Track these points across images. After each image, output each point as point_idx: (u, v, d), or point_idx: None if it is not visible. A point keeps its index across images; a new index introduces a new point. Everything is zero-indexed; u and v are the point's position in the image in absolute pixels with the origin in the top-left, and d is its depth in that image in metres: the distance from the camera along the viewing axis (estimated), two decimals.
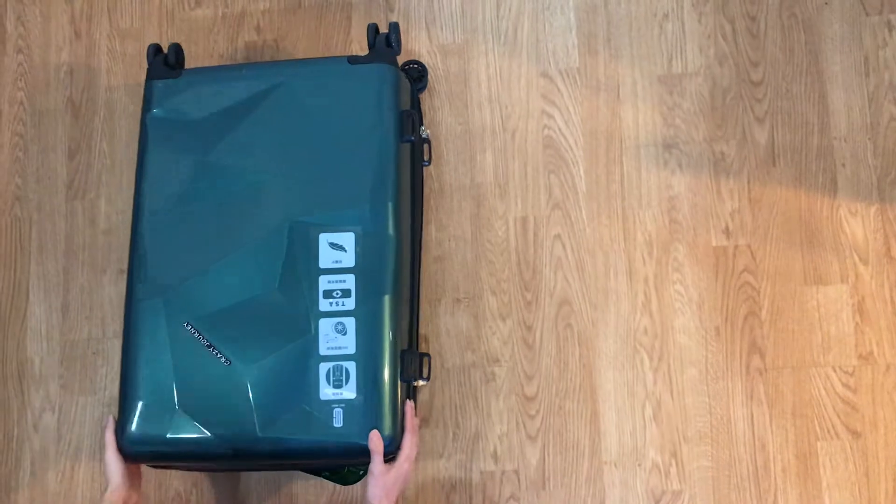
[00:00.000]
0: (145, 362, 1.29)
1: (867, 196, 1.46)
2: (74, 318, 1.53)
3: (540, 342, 1.46)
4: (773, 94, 1.50)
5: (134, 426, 1.27)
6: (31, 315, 1.54)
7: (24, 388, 1.52)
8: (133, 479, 1.27)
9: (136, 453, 1.27)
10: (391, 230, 1.30)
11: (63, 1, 1.64)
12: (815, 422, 1.40)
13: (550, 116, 1.53)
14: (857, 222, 1.45)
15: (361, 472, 1.41)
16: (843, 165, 1.47)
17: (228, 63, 1.60)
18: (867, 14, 1.51)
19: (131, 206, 1.51)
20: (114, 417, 1.29)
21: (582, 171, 1.51)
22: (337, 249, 1.29)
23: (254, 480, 1.46)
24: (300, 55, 1.59)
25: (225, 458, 1.26)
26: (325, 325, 1.27)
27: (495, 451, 1.44)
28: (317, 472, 1.41)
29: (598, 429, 1.43)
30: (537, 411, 1.44)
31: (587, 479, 1.42)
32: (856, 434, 1.39)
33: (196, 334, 1.28)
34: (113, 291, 1.53)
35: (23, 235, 1.57)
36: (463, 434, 1.45)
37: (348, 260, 1.29)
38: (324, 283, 1.28)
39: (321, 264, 1.29)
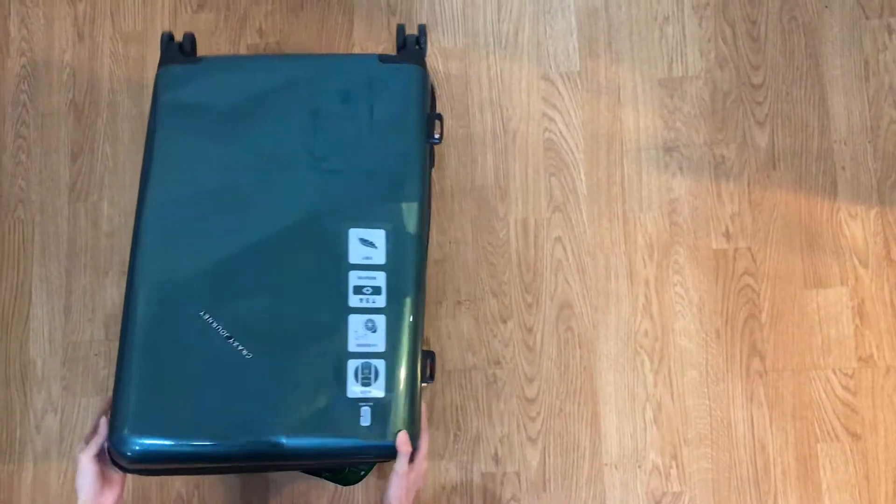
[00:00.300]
0: (153, 355, 1.20)
1: (867, 199, 1.46)
2: (77, 320, 1.54)
3: (541, 344, 1.46)
4: (774, 98, 1.50)
5: (141, 426, 1.17)
6: (33, 317, 1.55)
7: (26, 390, 1.52)
8: (107, 492, 1.17)
9: (142, 457, 1.17)
10: (418, 230, 1.29)
11: (66, 4, 1.64)
12: (815, 424, 1.41)
13: (551, 119, 1.53)
14: (856, 225, 1.45)
15: (363, 473, 1.41)
16: (843, 168, 1.47)
17: None
18: (867, 17, 1.51)
19: (134, 209, 1.51)
20: (107, 418, 1.18)
21: (583, 174, 1.51)
22: (367, 246, 1.26)
23: (255, 482, 1.47)
24: None
25: (245, 459, 1.21)
26: (354, 322, 1.23)
27: (496, 453, 1.44)
28: (317, 472, 1.42)
29: (598, 431, 1.43)
30: (538, 413, 1.45)
31: (588, 481, 1.42)
32: (856, 436, 1.40)
33: (214, 324, 1.22)
34: (115, 293, 1.53)
35: (25, 237, 1.57)
36: (464, 436, 1.45)
37: (379, 257, 1.26)
38: (354, 278, 1.25)
39: (351, 259, 1.26)
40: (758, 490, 1.40)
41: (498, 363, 1.46)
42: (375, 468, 1.42)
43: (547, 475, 1.43)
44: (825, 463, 1.40)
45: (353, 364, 1.22)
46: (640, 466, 1.42)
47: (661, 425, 1.42)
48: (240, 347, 1.21)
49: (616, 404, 1.44)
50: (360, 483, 1.42)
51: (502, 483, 1.43)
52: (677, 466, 1.41)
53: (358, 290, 1.25)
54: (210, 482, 1.47)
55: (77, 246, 1.56)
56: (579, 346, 1.46)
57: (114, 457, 1.18)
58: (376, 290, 1.25)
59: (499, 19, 1.58)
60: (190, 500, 1.47)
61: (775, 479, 1.40)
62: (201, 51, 1.60)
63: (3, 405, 1.52)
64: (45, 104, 1.61)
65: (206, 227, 1.27)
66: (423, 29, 1.40)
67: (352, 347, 1.23)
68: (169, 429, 1.18)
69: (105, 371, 1.51)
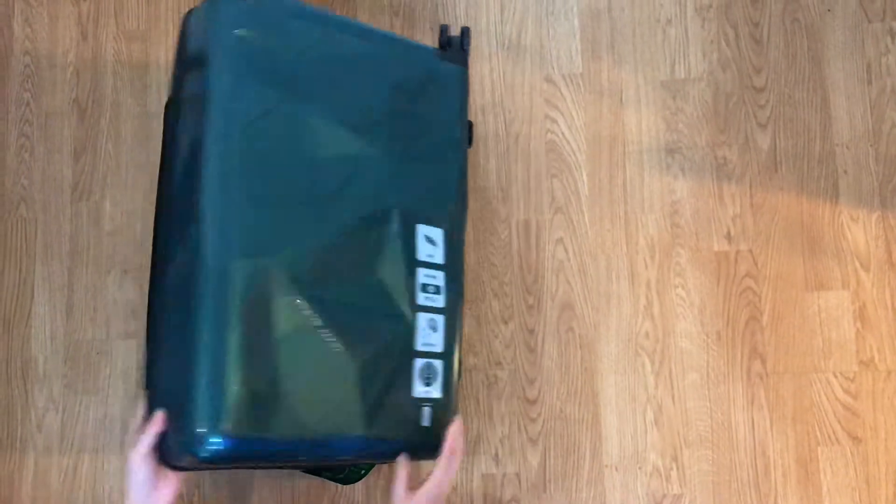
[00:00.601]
0: (234, 342, 1.03)
1: (869, 202, 1.46)
2: (79, 319, 1.54)
3: (542, 345, 1.47)
4: (776, 100, 1.50)
5: (222, 423, 1.01)
6: (35, 315, 1.55)
7: (27, 388, 1.53)
8: (163, 491, 1.05)
9: (221, 457, 1.02)
10: (463, 232, 1.27)
11: (70, 3, 1.65)
12: (816, 427, 1.41)
13: (553, 121, 1.53)
14: (858, 228, 1.45)
15: (363, 472, 1.41)
16: (845, 172, 1.47)
17: None
18: (869, 21, 1.51)
19: (137, 207, 1.52)
20: (165, 414, 1.05)
21: (585, 176, 1.51)
22: (430, 244, 1.21)
23: (255, 480, 1.47)
24: None
25: (323, 459, 1.12)
26: (421, 320, 1.19)
27: (496, 454, 1.44)
28: (318, 471, 1.42)
29: (599, 432, 1.43)
30: (538, 414, 1.45)
31: (588, 483, 1.42)
32: (856, 439, 1.40)
33: (308, 312, 1.08)
34: (117, 292, 1.54)
35: (28, 236, 1.58)
36: (464, 436, 1.45)
37: (439, 256, 1.22)
38: (421, 275, 1.20)
39: (418, 256, 1.20)
40: (758, 492, 1.40)
41: (499, 364, 1.46)
42: (375, 467, 1.42)
43: (547, 476, 1.43)
44: (826, 466, 1.40)
45: (418, 363, 1.18)
46: (640, 468, 1.42)
47: (661, 427, 1.42)
48: (330, 339, 1.11)
49: (617, 406, 1.44)
50: (360, 482, 1.42)
51: (502, 484, 1.43)
52: (678, 468, 1.41)
53: (424, 287, 1.20)
54: (211, 480, 1.47)
55: (79, 245, 1.56)
56: (580, 348, 1.46)
57: (171, 456, 1.05)
58: (437, 290, 1.21)
59: (502, 21, 1.58)
60: (191, 499, 1.47)
61: (776, 482, 1.40)
62: None
63: (5, 403, 1.52)
64: (49, 103, 1.62)
65: (284, 203, 1.12)
66: (466, 31, 1.34)
67: (418, 346, 1.18)
68: (254, 426, 1.03)
69: (107, 369, 1.51)
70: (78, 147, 1.60)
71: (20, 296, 1.56)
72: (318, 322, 1.09)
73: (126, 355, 1.51)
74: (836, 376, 1.42)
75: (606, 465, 1.42)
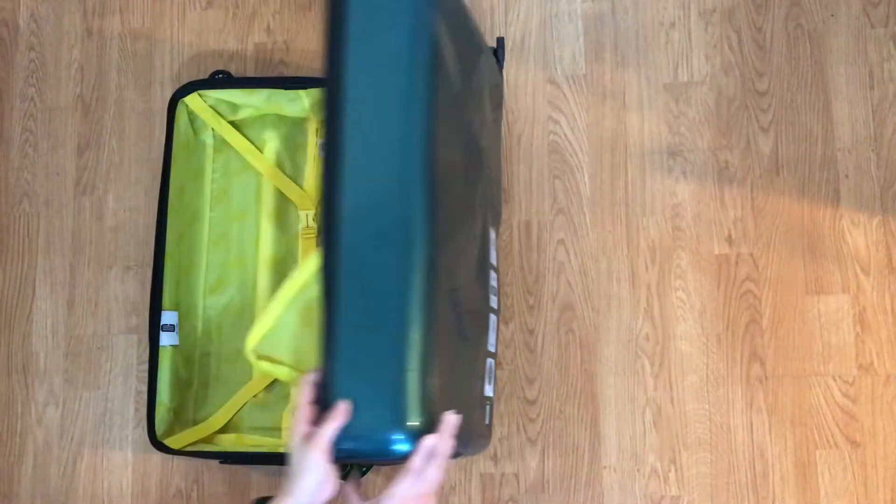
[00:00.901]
0: (429, 333, 0.95)
1: (870, 207, 1.46)
2: (80, 314, 1.54)
3: (541, 346, 1.47)
4: (778, 105, 1.51)
5: (415, 417, 0.93)
6: (36, 310, 1.55)
7: (28, 382, 1.53)
8: (325, 492, 0.94)
9: (406, 454, 0.93)
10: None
11: None
12: (815, 431, 1.41)
13: (556, 122, 1.54)
14: (859, 233, 1.46)
15: (364, 470, 1.41)
16: (847, 176, 1.48)
17: (237, 63, 1.60)
18: (873, 26, 1.52)
19: (140, 202, 1.53)
20: (347, 405, 0.94)
21: (586, 177, 1.52)
22: (492, 247, 1.22)
23: (254, 477, 1.47)
24: (310, 58, 1.60)
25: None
26: (491, 321, 1.20)
27: (495, 454, 1.44)
28: None
29: (597, 433, 1.44)
30: (538, 415, 1.45)
31: (586, 483, 1.43)
32: (855, 444, 1.40)
33: (461, 309, 1.03)
34: (119, 288, 1.54)
35: (30, 231, 1.58)
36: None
37: (494, 258, 1.23)
38: (491, 278, 1.20)
39: (490, 259, 1.20)
40: (756, 495, 1.40)
41: (499, 364, 1.46)
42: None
43: (546, 477, 1.43)
44: (824, 470, 1.40)
45: (488, 363, 1.20)
46: (638, 469, 1.42)
47: (660, 429, 1.43)
48: (465, 337, 1.07)
49: (616, 407, 1.44)
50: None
51: (501, 484, 1.44)
52: (676, 470, 1.41)
53: (492, 290, 1.21)
54: (210, 476, 1.47)
55: (81, 240, 1.57)
56: (580, 349, 1.46)
57: (339, 451, 0.94)
58: (496, 292, 1.22)
59: (506, 23, 1.58)
60: (189, 494, 1.47)
61: (774, 485, 1.40)
62: (208, 48, 1.61)
63: (5, 397, 1.53)
64: (53, 98, 1.62)
65: (450, 194, 1.03)
66: (501, 42, 1.33)
67: (489, 346, 1.19)
68: (432, 424, 0.95)
69: (108, 365, 1.52)
70: (81, 143, 1.60)
71: (22, 290, 1.56)
72: (461, 320, 1.04)
73: (127, 351, 1.52)
74: (835, 380, 1.42)
75: (605, 466, 1.43)
